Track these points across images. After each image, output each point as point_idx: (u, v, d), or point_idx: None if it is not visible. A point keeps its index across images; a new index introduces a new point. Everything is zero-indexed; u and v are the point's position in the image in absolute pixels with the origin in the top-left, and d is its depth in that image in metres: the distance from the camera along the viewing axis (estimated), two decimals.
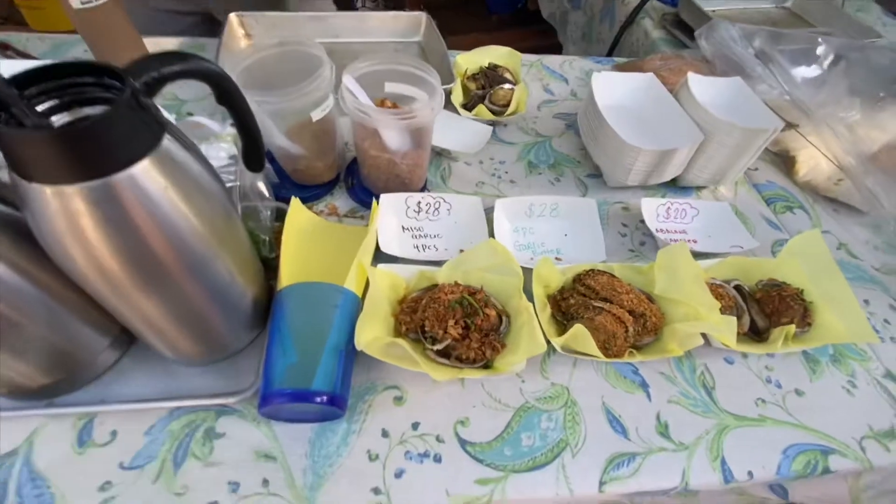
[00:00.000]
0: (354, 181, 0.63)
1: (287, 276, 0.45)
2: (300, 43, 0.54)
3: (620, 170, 0.63)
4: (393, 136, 0.53)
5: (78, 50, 0.79)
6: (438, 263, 0.52)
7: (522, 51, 0.88)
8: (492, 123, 0.74)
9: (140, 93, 0.29)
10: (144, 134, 0.30)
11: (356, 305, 0.46)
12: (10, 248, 0.35)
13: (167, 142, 0.31)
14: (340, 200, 0.63)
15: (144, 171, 0.30)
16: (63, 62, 0.29)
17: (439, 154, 0.70)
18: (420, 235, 0.59)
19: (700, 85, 0.67)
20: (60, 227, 0.29)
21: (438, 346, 0.45)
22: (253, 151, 0.41)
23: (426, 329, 0.46)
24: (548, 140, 0.75)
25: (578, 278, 0.53)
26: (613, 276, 0.53)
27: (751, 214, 0.68)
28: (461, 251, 0.58)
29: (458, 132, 0.71)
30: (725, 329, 0.47)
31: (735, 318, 0.48)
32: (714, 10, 1.07)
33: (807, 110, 0.70)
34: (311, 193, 0.62)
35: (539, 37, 2.05)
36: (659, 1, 1.12)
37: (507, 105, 0.74)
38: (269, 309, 0.46)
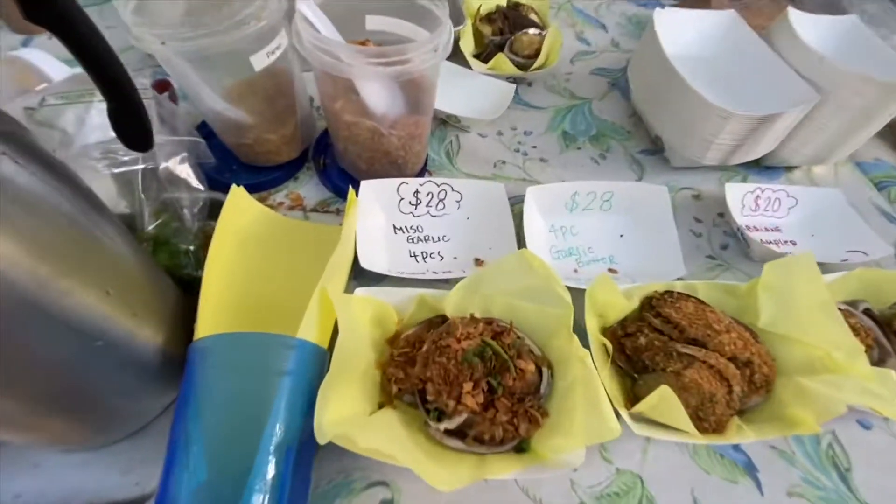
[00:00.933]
0: (327, 161, 0.46)
1: (208, 318, 0.29)
2: None
3: (696, 143, 0.46)
4: (377, 91, 0.35)
5: None
6: (447, 283, 0.36)
7: None
8: (513, 81, 0.55)
9: None
10: None
11: (319, 363, 0.29)
12: None
13: None
14: (308, 188, 0.45)
15: None
16: None
17: (444, 122, 0.52)
18: (419, 239, 0.42)
19: (804, 25, 0.48)
20: None
21: (448, 425, 0.29)
22: (123, 114, 0.23)
23: (429, 399, 0.30)
24: (586, 103, 0.57)
25: (649, 304, 0.37)
26: (702, 302, 0.36)
27: (860, 204, 0.51)
28: (478, 262, 0.41)
29: (470, 92, 0.53)
30: (885, 390, 0.31)
31: (892, 372, 0.32)
32: None
33: None
34: (266, 178, 0.44)
35: None
36: None
37: (535, 56, 0.55)
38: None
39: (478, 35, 0.59)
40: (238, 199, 0.37)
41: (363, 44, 0.39)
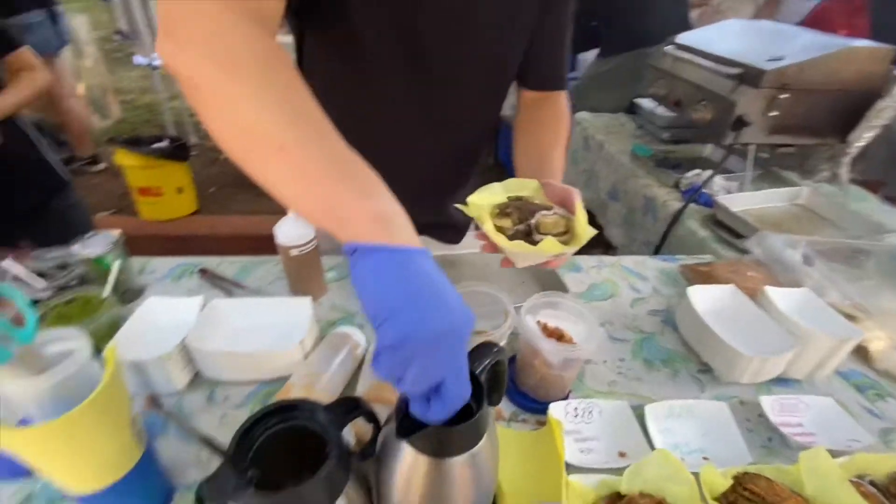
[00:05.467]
0: (508, 384, 0.76)
1: None
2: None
3: (735, 371, 0.76)
4: (559, 360, 0.67)
5: (261, 269, 0.98)
6: (601, 470, 0.61)
7: None
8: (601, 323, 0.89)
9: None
10: None
11: None
12: None
13: None
14: (502, 404, 0.74)
15: None
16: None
17: None
18: (580, 439, 0.69)
19: (778, 296, 0.83)
20: None
21: None
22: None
23: None
24: (652, 336, 0.89)
25: (738, 482, 0.62)
26: (769, 479, 0.61)
27: (850, 403, 0.78)
28: (620, 454, 0.67)
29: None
30: None
31: None
32: (742, 210, 1.31)
33: (866, 311, 0.86)
34: None
35: None
36: (696, 204, 1.38)
37: (564, 233, 0.60)
38: None
39: (500, 231, 0.60)
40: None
41: (545, 326, 0.73)
